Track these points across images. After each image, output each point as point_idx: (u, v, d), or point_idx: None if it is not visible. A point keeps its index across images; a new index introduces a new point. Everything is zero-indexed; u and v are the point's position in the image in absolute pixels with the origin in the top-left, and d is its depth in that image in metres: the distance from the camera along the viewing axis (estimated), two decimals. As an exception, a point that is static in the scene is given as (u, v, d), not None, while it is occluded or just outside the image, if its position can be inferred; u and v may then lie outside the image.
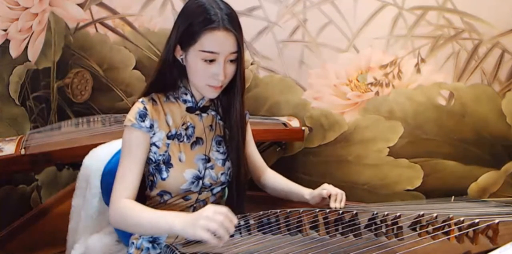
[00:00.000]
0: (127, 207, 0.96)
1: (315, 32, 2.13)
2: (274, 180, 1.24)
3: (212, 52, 0.96)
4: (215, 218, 0.81)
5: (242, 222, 0.97)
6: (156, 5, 2.25)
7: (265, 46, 2.19)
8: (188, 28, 0.97)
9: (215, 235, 0.81)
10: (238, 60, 1.01)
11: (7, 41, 1.94)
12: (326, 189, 1.08)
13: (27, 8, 2.04)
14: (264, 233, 0.94)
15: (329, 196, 1.07)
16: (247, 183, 1.15)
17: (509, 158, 2.10)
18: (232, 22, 0.97)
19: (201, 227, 0.81)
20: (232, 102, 1.08)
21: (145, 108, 1.03)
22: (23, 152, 1.64)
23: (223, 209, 0.84)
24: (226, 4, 1.00)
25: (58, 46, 2.34)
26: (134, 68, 2.37)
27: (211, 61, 0.98)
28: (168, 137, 1.06)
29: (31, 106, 2.15)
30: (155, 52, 2.31)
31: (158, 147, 1.05)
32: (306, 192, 1.14)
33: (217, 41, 0.96)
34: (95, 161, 1.28)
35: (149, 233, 1.03)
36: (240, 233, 0.95)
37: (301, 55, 2.18)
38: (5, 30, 1.91)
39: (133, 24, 2.32)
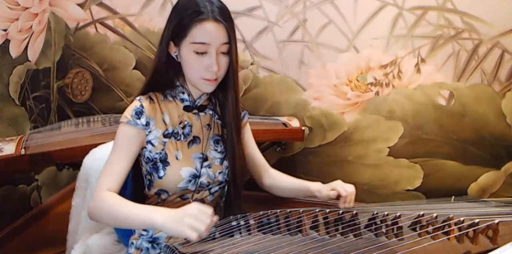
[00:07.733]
0: (107, 199, 0.95)
1: (315, 32, 2.13)
2: (280, 179, 1.23)
3: (203, 43, 0.97)
4: (202, 219, 0.82)
5: (242, 222, 0.97)
6: (156, 5, 2.25)
7: (265, 46, 2.19)
8: (179, 23, 0.98)
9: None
10: (230, 52, 1.00)
11: (7, 41, 1.94)
12: (336, 188, 1.07)
13: (27, 8, 2.04)
14: (264, 233, 0.93)
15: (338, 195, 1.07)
16: (243, 183, 1.13)
17: (509, 158, 2.10)
18: (222, 14, 0.97)
19: (188, 225, 0.81)
20: (226, 99, 1.07)
21: (141, 106, 1.03)
22: (23, 152, 1.64)
23: (207, 209, 0.84)
24: None
25: (58, 46, 2.34)
26: (134, 68, 2.37)
27: (203, 53, 0.98)
28: (165, 135, 1.06)
29: (31, 106, 2.15)
30: (155, 52, 2.31)
31: (153, 145, 1.05)
32: (314, 188, 1.12)
33: (207, 32, 0.96)
34: (95, 161, 1.28)
35: (124, 226, 0.99)
36: (240, 233, 0.95)
37: (301, 55, 2.18)
38: (5, 30, 1.91)
39: (133, 24, 2.32)
